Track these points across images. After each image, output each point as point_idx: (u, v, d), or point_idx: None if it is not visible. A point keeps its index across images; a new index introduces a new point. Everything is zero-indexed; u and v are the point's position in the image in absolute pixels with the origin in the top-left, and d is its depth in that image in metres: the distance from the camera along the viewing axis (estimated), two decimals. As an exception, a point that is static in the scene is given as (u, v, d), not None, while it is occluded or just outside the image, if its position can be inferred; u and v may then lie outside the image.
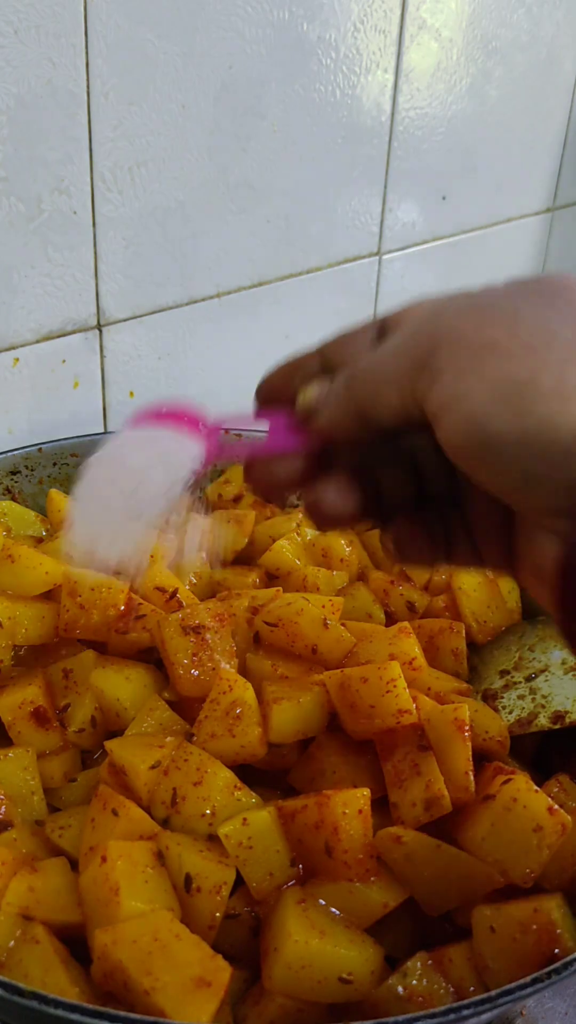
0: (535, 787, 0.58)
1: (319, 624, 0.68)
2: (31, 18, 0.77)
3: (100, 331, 0.94)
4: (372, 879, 0.55)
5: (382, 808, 0.59)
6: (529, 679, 0.75)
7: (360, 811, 0.56)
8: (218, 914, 0.54)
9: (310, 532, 0.87)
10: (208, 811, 0.57)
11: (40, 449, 0.87)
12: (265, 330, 1.09)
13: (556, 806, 0.57)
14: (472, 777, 0.59)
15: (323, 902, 0.55)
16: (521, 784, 0.58)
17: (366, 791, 0.56)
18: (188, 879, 0.54)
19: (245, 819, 0.56)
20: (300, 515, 0.89)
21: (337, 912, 0.55)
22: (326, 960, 0.51)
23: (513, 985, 0.48)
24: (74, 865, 0.57)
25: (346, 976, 0.51)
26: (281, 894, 0.55)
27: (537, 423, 0.37)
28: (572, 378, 0.37)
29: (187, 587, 0.76)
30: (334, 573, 0.81)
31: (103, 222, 0.89)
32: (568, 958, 0.50)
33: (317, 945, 0.52)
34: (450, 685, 0.70)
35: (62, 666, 0.68)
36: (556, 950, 0.53)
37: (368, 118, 1.08)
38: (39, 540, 0.80)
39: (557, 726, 0.69)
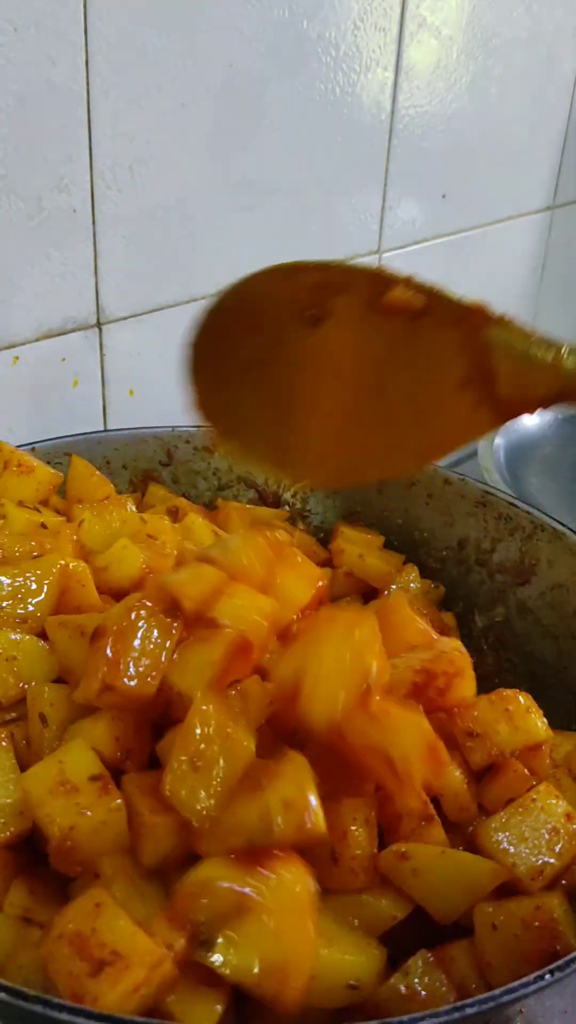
0: (557, 794, 0.58)
1: None
2: (31, 16, 0.77)
3: (100, 329, 0.94)
4: (379, 888, 0.55)
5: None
6: None
7: (367, 819, 0.55)
8: None
9: None
10: None
11: (34, 448, 0.86)
12: (265, 328, 1.09)
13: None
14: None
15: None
16: (543, 788, 0.58)
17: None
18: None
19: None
20: None
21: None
22: (335, 969, 0.51)
23: (516, 983, 0.48)
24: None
25: (353, 983, 0.51)
26: None
27: None
28: None
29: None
30: None
31: (103, 220, 0.89)
32: (570, 955, 0.50)
33: (326, 955, 0.51)
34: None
35: None
36: (558, 947, 0.53)
37: (368, 116, 1.08)
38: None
39: None
